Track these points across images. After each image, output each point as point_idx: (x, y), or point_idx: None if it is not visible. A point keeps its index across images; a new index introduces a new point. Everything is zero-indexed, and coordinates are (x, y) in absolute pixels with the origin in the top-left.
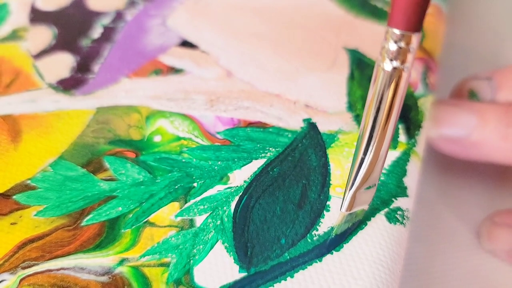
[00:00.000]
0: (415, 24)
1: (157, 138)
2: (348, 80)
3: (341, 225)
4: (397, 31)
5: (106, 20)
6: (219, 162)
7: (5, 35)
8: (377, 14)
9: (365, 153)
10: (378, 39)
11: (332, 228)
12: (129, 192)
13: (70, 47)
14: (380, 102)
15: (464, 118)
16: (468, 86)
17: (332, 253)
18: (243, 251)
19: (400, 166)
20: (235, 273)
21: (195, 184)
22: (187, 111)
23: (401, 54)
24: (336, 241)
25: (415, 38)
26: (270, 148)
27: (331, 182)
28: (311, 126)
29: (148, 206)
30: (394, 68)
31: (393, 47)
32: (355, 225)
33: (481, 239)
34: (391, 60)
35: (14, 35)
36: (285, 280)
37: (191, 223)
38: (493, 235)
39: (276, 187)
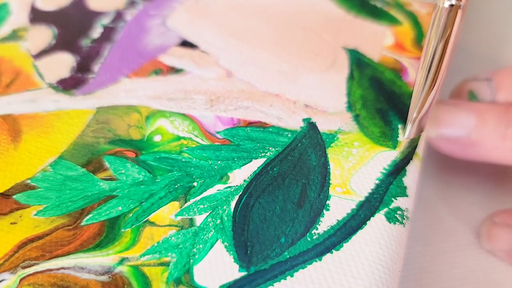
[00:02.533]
0: None
1: (157, 138)
2: (348, 80)
3: (405, 150)
4: None
5: (106, 20)
6: (219, 162)
7: (5, 35)
8: (376, 14)
9: (425, 82)
10: (378, 39)
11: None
12: (129, 191)
13: (70, 47)
14: (440, 36)
15: (464, 118)
16: (467, 87)
17: (332, 253)
18: (243, 250)
19: (399, 166)
20: (235, 272)
21: (195, 184)
22: (187, 111)
23: None
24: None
25: None
26: (270, 148)
27: (330, 181)
28: (311, 126)
29: (148, 205)
30: (452, 5)
31: None
32: (413, 150)
33: (480, 239)
34: None
35: (14, 35)
36: (285, 279)
37: (191, 222)
38: (493, 235)
39: (275, 187)
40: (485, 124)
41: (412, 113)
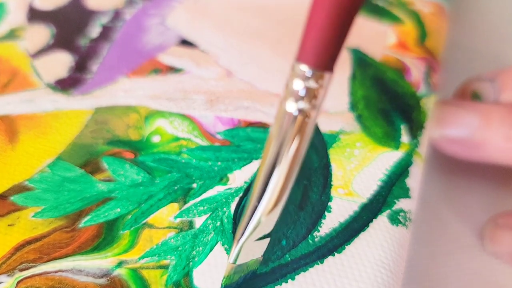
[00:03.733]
0: (329, 62)
1: (156, 139)
2: (350, 80)
3: (231, 276)
4: (305, 68)
5: (104, 19)
6: (219, 163)
7: (3, 35)
8: (378, 13)
9: (258, 201)
10: (380, 38)
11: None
12: (127, 193)
13: (68, 46)
14: (281, 146)
15: (467, 119)
16: (471, 87)
17: (333, 255)
18: None
19: (402, 167)
20: None
21: (194, 185)
22: (187, 111)
23: (309, 94)
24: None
25: (327, 77)
26: None
27: (332, 183)
28: None
29: (147, 207)
30: (299, 110)
31: (299, 85)
32: (248, 275)
33: (484, 241)
34: (296, 101)
35: (12, 35)
36: (286, 282)
37: (191, 224)
38: (496, 237)
39: None
40: (489, 125)
41: (241, 232)
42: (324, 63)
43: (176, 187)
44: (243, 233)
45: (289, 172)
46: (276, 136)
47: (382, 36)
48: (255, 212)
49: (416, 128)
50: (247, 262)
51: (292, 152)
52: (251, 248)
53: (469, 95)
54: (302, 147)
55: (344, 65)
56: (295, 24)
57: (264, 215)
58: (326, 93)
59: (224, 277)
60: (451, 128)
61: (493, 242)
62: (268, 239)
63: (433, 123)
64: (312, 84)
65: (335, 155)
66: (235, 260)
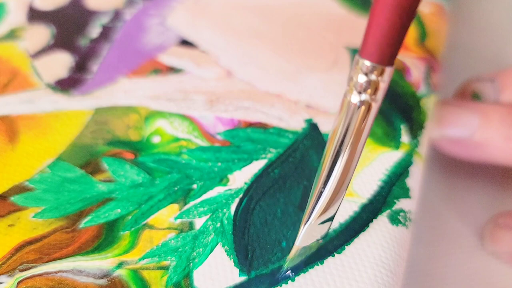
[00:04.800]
0: (390, 57)
1: (156, 139)
2: None
3: (294, 258)
4: (368, 63)
5: (104, 20)
6: (219, 163)
7: (3, 35)
8: None
9: (324, 186)
10: None
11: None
12: (127, 193)
13: (68, 46)
14: (345, 136)
15: (467, 119)
16: (471, 87)
17: (333, 255)
18: (243, 254)
19: (402, 167)
20: (235, 277)
21: (194, 186)
22: (187, 111)
23: (371, 86)
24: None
25: (388, 71)
26: (271, 149)
27: None
28: (312, 127)
29: (147, 208)
30: (362, 101)
31: (362, 79)
32: (308, 257)
33: (484, 241)
34: (359, 92)
35: (12, 35)
36: (286, 283)
37: (191, 225)
38: (496, 237)
39: (277, 189)
40: (489, 125)
41: (308, 217)
42: (385, 59)
43: (176, 188)
44: (309, 217)
45: (353, 158)
46: (341, 126)
47: None
48: (321, 196)
49: (416, 128)
50: (310, 244)
51: (355, 140)
52: (314, 231)
53: (469, 95)
54: (364, 135)
55: (344, 66)
56: (295, 25)
57: (330, 200)
58: (387, 86)
59: (288, 259)
60: (451, 128)
61: (493, 242)
62: (330, 222)
63: (433, 123)
64: (374, 78)
65: None
66: (301, 242)
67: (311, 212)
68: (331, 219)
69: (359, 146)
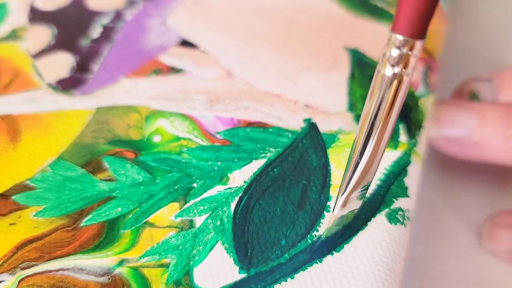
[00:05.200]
0: (420, 31)
1: (156, 138)
2: (349, 80)
3: (332, 228)
4: (400, 37)
5: (105, 20)
6: (219, 163)
7: (4, 35)
8: (377, 13)
9: (360, 157)
10: (379, 39)
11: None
12: (128, 192)
13: (69, 47)
14: (379, 108)
15: (465, 118)
16: (469, 87)
17: (332, 254)
18: (243, 252)
19: (401, 167)
20: (235, 274)
21: (194, 185)
22: (187, 111)
23: (403, 60)
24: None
25: (419, 44)
26: (270, 148)
27: (331, 182)
28: (312, 126)
29: (148, 206)
30: (395, 74)
31: (395, 52)
32: (344, 227)
33: (482, 240)
34: (392, 65)
35: (14, 35)
36: (285, 281)
37: (191, 223)
38: (494, 235)
39: (276, 188)
40: (487, 125)
41: (345, 187)
42: (416, 33)
43: (176, 187)
44: (346, 186)
45: (387, 129)
46: (375, 99)
47: (381, 37)
48: (357, 167)
49: (414, 128)
50: (346, 214)
51: (389, 112)
52: (351, 200)
53: (466, 95)
54: (397, 106)
55: (343, 66)
56: (295, 25)
57: (365, 170)
58: (417, 60)
59: (326, 229)
60: (449, 128)
61: (491, 240)
62: (365, 192)
63: (431, 123)
64: (405, 51)
65: (334, 155)
66: (338, 212)
67: (348, 182)
68: (366, 188)
69: (392, 117)
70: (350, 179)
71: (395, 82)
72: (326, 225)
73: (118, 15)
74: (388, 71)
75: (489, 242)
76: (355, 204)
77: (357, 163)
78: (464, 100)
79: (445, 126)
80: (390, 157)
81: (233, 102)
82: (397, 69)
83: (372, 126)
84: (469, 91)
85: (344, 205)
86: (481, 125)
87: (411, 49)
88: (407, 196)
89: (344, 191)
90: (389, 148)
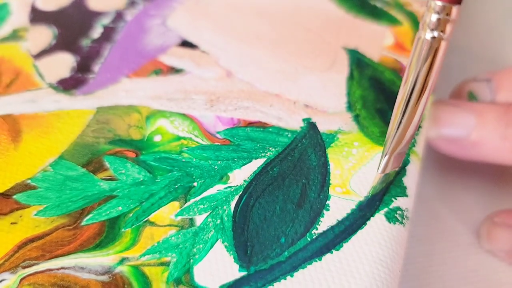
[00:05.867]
0: None
1: (157, 138)
2: (348, 80)
3: (376, 186)
4: (439, 3)
5: (106, 20)
6: (219, 162)
7: (6, 35)
8: (376, 14)
9: (403, 115)
10: (378, 39)
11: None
12: (129, 191)
13: (70, 47)
14: (421, 68)
15: (464, 118)
16: (467, 87)
17: (332, 253)
18: (243, 250)
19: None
20: (235, 272)
21: (195, 184)
22: (187, 111)
23: (441, 25)
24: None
25: (455, 10)
26: (270, 148)
27: (330, 181)
28: (311, 126)
29: (148, 205)
30: (434, 37)
31: (434, 17)
32: (387, 185)
33: (480, 239)
34: (431, 30)
35: (15, 35)
36: (285, 279)
37: (191, 222)
38: (493, 235)
39: (276, 187)
40: (485, 125)
41: (389, 146)
42: None
43: (176, 186)
44: (390, 145)
45: (427, 89)
46: (416, 61)
47: (379, 37)
48: (400, 126)
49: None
50: (389, 172)
51: (428, 73)
52: (394, 158)
53: (465, 95)
54: (437, 67)
55: (342, 66)
56: (294, 26)
57: (406, 128)
58: (454, 24)
59: (372, 187)
60: (447, 127)
61: (490, 240)
62: (406, 150)
63: (430, 123)
64: (443, 16)
65: (333, 154)
66: (383, 170)
67: (392, 141)
68: (406, 148)
69: (432, 78)
70: (393, 137)
71: (435, 45)
72: (372, 183)
73: (118, 16)
74: (428, 35)
75: (487, 242)
76: (398, 162)
77: (400, 123)
78: (463, 100)
79: (444, 126)
80: None
81: (233, 102)
82: (436, 33)
83: (414, 85)
84: (467, 91)
85: (388, 163)
86: (479, 125)
87: (448, 14)
88: (406, 195)
89: (389, 150)
90: None
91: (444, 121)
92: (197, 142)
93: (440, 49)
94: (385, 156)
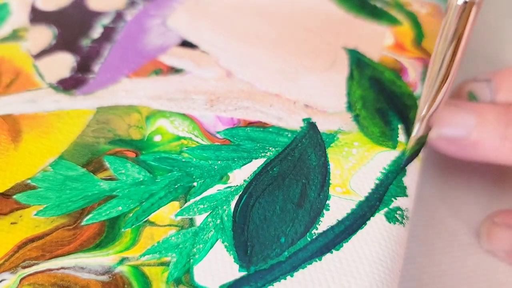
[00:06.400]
0: None
1: (157, 138)
2: (348, 80)
3: (413, 147)
4: None
5: (106, 20)
6: (219, 162)
7: (6, 35)
8: (376, 14)
9: (436, 77)
10: (378, 39)
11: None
12: (129, 191)
13: (70, 47)
14: (455, 31)
15: (463, 118)
16: (467, 88)
17: (332, 252)
18: (243, 250)
19: (399, 166)
20: (235, 272)
21: (195, 184)
22: (187, 111)
23: None
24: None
25: None
26: (270, 148)
27: (330, 181)
28: (311, 126)
29: (148, 205)
30: (466, 2)
31: None
32: (420, 148)
33: (480, 239)
34: None
35: (15, 35)
36: (285, 279)
37: (191, 222)
38: (493, 235)
39: (275, 187)
40: (485, 124)
41: (422, 111)
42: None
43: (176, 186)
44: (423, 109)
45: (461, 49)
46: (448, 24)
47: (379, 37)
48: (432, 89)
49: (413, 128)
50: (423, 135)
51: (461, 36)
52: (426, 121)
53: (465, 95)
54: (468, 31)
55: (342, 66)
56: (294, 26)
57: (441, 88)
58: None
59: (407, 150)
60: (447, 127)
61: (490, 240)
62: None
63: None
64: None
65: (333, 154)
66: (416, 133)
67: (425, 105)
68: (435, 110)
69: (464, 40)
70: (426, 101)
71: (466, 9)
72: (408, 147)
73: (118, 16)
74: (460, 0)
75: (487, 242)
76: (429, 124)
77: (432, 87)
78: (463, 100)
79: (444, 126)
80: (389, 156)
81: (233, 102)
82: None
83: (449, 45)
84: (468, 91)
85: (423, 126)
86: (479, 125)
87: None
88: (406, 195)
89: (424, 113)
90: (388, 148)
91: (444, 121)
92: (197, 142)
93: (472, 12)
94: (420, 120)
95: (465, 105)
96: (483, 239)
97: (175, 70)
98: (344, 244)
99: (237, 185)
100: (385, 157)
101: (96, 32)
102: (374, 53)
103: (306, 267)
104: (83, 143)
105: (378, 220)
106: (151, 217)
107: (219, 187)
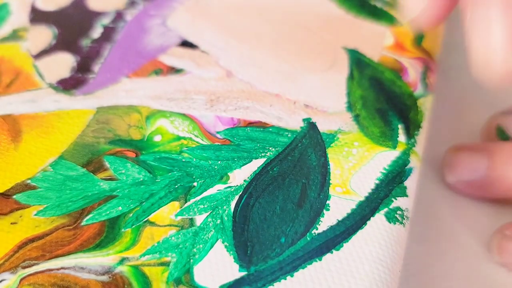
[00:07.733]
0: None
1: (157, 138)
2: (348, 80)
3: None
4: None
5: (106, 20)
6: (219, 162)
7: (5, 35)
8: (376, 14)
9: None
10: (378, 39)
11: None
12: (129, 191)
13: (70, 47)
14: None
15: (476, 162)
16: (495, 122)
17: (332, 252)
18: (243, 250)
19: (399, 166)
20: (235, 272)
21: (195, 184)
22: (187, 111)
23: None
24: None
25: None
26: (270, 148)
27: (330, 181)
28: (311, 126)
29: (148, 205)
30: None
31: None
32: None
33: (491, 252)
34: None
35: (14, 35)
36: (285, 279)
37: (191, 222)
38: (504, 248)
39: (276, 186)
40: (497, 164)
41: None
42: None
43: (177, 186)
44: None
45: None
46: None
47: (379, 37)
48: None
49: (413, 128)
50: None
51: None
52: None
53: (493, 131)
54: None
55: (342, 66)
56: (294, 26)
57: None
58: None
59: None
60: (463, 173)
61: (501, 253)
62: None
63: (447, 169)
64: None
65: (333, 154)
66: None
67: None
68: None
69: None
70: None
71: None
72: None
73: (118, 15)
74: None
75: (498, 255)
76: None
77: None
78: (492, 137)
79: (459, 172)
80: (389, 156)
81: (233, 102)
82: None
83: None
84: (496, 126)
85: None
86: (492, 165)
87: None
88: (406, 195)
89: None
90: (388, 148)
91: (459, 167)
92: (197, 142)
93: None
94: None
95: (477, 147)
96: (494, 253)
97: (175, 70)
98: (344, 244)
99: (237, 185)
100: (385, 157)
101: (96, 32)
102: (374, 53)
103: (306, 267)
104: (83, 143)
105: (378, 220)
106: (151, 217)
107: (219, 187)
